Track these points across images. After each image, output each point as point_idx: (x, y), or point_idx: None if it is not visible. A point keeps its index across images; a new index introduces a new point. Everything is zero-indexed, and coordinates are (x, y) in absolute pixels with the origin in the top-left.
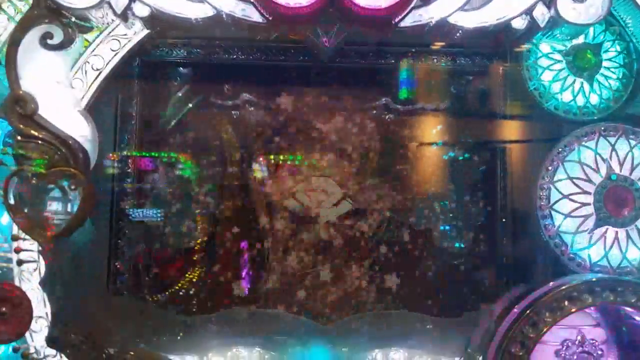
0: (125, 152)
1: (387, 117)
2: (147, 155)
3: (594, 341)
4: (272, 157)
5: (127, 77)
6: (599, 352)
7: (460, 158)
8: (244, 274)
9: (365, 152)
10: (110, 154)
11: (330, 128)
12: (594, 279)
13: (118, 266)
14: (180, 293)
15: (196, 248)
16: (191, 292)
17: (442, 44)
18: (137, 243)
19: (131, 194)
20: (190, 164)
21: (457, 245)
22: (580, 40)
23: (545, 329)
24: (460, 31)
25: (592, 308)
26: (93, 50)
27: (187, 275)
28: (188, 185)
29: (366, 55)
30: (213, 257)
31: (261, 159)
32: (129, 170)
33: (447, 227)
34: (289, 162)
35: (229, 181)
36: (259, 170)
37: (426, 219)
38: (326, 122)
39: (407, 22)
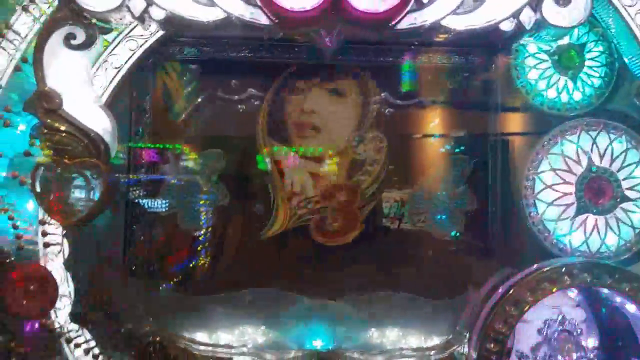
0: (139, 143)
1: (386, 111)
2: (160, 146)
3: (574, 321)
4: (276, 149)
5: (143, 74)
6: (579, 331)
7: (455, 151)
8: (250, 257)
9: (366, 144)
10: (126, 145)
11: (330, 120)
12: (572, 262)
13: (133, 250)
14: (191, 275)
15: (206, 234)
16: (201, 274)
17: (439, 42)
18: (150, 228)
19: (144, 183)
20: (199, 154)
21: (451, 233)
22: (565, 40)
23: (526, 308)
24: (451, 33)
25: (574, 290)
26: (112, 50)
27: (197, 258)
28: (198, 173)
29: (366, 53)
30: (222, 242)
31: (266, 150)
32: (143, 161)
33: (442, 216)
34: (292, 155)
35: (237, 170)
36: (264, 161)
37: (422, 208)
38: (328, 115)
39: (403, 24)
